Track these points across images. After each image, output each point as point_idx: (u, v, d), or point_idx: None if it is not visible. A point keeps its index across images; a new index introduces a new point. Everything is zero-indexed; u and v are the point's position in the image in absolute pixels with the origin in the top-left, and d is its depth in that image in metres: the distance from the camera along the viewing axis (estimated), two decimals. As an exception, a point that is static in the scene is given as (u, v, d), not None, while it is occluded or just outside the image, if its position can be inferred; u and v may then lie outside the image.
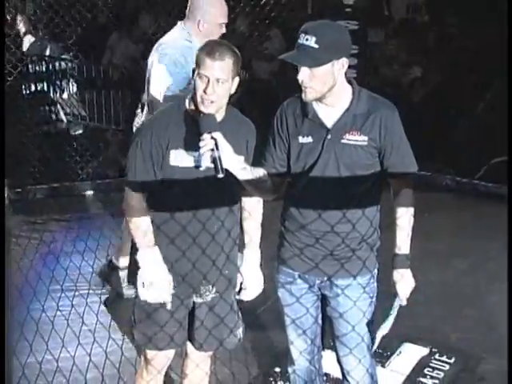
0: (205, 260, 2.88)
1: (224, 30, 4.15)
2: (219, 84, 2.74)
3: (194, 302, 2.98)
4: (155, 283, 2.84)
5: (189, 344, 3.09)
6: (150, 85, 4.16)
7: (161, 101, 4.01)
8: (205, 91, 2.73)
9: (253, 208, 3.04)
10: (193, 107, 2.82)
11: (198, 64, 2.76)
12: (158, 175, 2.83)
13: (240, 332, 3.11)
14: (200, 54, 2.77)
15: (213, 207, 2.87)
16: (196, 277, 2.89)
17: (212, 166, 2.70)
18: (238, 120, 2.94)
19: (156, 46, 4.26)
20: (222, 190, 2.84)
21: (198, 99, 2.77)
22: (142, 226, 2.84)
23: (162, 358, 3.05)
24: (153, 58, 4.19)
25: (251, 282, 3.05)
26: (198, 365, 3.16)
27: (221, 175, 2.68)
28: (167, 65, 4.08)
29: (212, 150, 2.66)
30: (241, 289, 3.06)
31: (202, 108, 2.77)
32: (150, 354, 3.03)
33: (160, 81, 4.08)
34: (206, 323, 2.99)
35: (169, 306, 2.89)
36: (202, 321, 2.99)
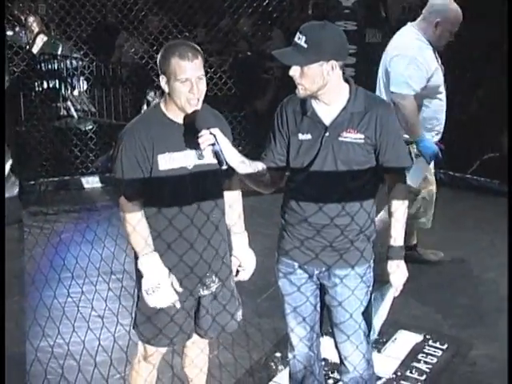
0: (209, 251, 2.91)
1: (452, 38, 4.41)
2: (201, 81, 2.76)
3: (199, 297, 2.99)
4: (161, 287, 2.81)
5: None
6: (392, 85, 4.40)
7: (409, 101, 4.29)
8: (191, 92, 2.74)
9: (234, 200, 3.07)
10: (171, 112, 2.84)
11: (173, 71, 2.73)
12: (149, 180, 2.81)
13: (239, 315, 3.15)
14: (172, 60, 2.74)
15: (211, 199, 2.90)
16: (202, 268, 2.91)
17: (200, 162, 2.79)
18: (213, 114, 2.96)
19: (389, 48, 4.54)
20: (212, 184, 2.90)
21: (183, 103, 2.77)
22: (141, 233, 2.81)
23: (159, 354, 3.08)
24: (390, 60, 4.45)
25: (247, 261, 3.10)
26: (202, 350, 3.22)
27: (225, 167, 2.73)
28: (409, 65, 4.33)
29: (213, 144, 2.69)
30: (237, 271, 3.11)
31: (188, 109, 2.78)
32: (151, 350, 3.03)
33: (407, 81, 4.33)
34: (211, 311, 3.02)
35: (178, 305, 2.88)
36: (207, 309, 3.01)
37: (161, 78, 2.82)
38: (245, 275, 3.14)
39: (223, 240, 3.01)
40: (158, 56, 2.85)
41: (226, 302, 3.05)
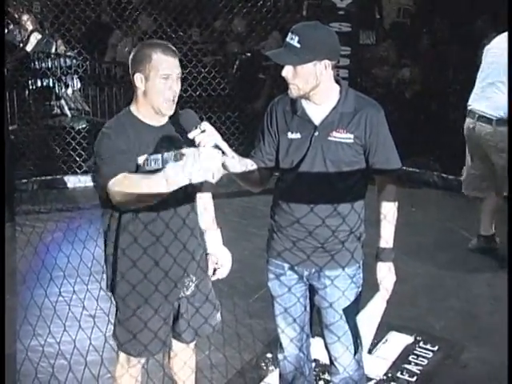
0: (185, 255, 2.88)
1: None
2: (178, 81, 2.75)
3: (179, 302, 2.98)
4: (202, 151, 2.43)
5: (173, 340, 3.10)
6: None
7: None
8: (170, 90, 2.71)
9: (208, 201, 3.06)
10: (143, 115, 2.78)
11: (155, 66, 2.68)
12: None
13: (217, 318, 3.13)
14: (154, 55, 2.69)
15: (187, 203, 2.88)
16: (178, 272, 2.88)
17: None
18: (185, 112, 2.87)
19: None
20: (191, 186, 2.75)
21: (160, 102, 2.72)
22: (142, 178, 2.56)
23: (138, 363, 3.04)
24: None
25: (224, 259, 3.09)
26: (186, 362, 3.18)
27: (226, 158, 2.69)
28: None
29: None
30: (214, 270, 3.09)
31: (163, 111, 2.74)
32: (130, 360, 3.00)
33: None
34: (186, 315, 3.01)
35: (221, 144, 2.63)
36: (181, 313, 3.00)
37: (135, 77, 2.75)
38: (222, 272, 3.12)
39: (198, 243, 3.00)
40: (132, 54, 2.79)
41: (200, 304, 3.02)
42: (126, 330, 2.92)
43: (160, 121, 2.83)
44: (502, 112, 4.81)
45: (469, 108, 5.05)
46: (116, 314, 2.99)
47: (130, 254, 2.82)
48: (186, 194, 2.85)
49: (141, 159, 2.73)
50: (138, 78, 2.74)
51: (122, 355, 3.03)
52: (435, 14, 7.13)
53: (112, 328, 3.05)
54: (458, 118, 6.41)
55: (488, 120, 4.91)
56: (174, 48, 2.79)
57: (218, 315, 3.15)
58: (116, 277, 2.90)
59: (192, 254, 2.93)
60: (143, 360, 3.10)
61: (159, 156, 2.77)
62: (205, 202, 3.06)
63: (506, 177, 4.78)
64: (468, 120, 5.07)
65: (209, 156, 2.40)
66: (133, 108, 2.82)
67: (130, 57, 2.81)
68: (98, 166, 2.74)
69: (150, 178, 2.50)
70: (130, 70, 2.79)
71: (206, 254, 3.06)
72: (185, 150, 2.43)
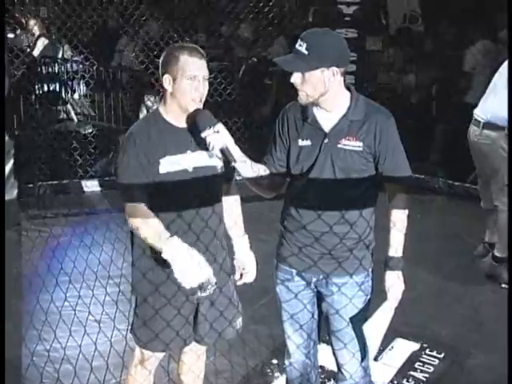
0: (208, 255, 2.84)
1: None
2: (205, 82, 2.80)
3: (198, 302, 2.98)
4: (193, 266, 2.65)
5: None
6: None
7: None
8: (197, 91, 2.76)
9: (233, 205, 3.07)
10: (171, 115, 2.84)
11: (182, 67, 2.75)
12: (153, 184, 2.78)
13: (239, 322, 3.13)
14: (181, 57, 2.76)
15: (210, 204, 2.89)
16: None
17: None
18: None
19: None
20: (211, 188, 2.90)
21: (187, 101, 2.78)
22: (154, 227, 2.72)
23: (155, 359, 3.06)
24: None
25: (250, 265, 3.08)
26: (199, 356, 3.20)
27: (234, 164, 2.76)
28: None
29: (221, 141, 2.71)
30: (241, 275, 3.09)
31: (191, 108, 2.79)
32: (147, 354, 3.02)
33: None
34: (209, 318, 3.00)
35: (213, 280, 2.76)
36: (205, 316, 2.99)
37: (164, 78, 2.81)
38: (249, 278, 3.11)
39: (221, 246, 3.00)
40: (162, 56, 2.85)
41: (224, 308, 3.03)
42: (149, 329, 2.93)
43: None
44: (490, 115, 4.81)
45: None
46: (135, 312, 3.00)
47: (152, 252, 2.84)
48: (210, 196, 2.90)
49: (162, 161, 2.79)
50: (167, 80, 2.80)
51: (139, 351, 3.05)
52: (441, 20, 7.13)
53: (130, 327, 3.07)
54: (463, 124, 6.44)
55: (477, 122, 4.91)
56: (201, 50, 2.84)
57: (240, 320, 3.15)
58: (137, 276, 2.94)
59: (214, 256, 2.92)
60: (162, 355, 3.10)
61: (181, 157, 2.81)
62: (229, 204, 3.06)
63: (495, 183, 4.81)
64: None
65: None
66: (161, 108, 2.89)
67: (161, 59, 2.86)
68: (117, 177, 2.86)
69: (153, 235, 2.70)
70: (160, 71, 2.85)
71: (233, 259, 3.08)
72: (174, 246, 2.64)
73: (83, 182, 7.00)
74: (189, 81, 2.76)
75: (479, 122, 4.88)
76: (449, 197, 6.62)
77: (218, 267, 2.95)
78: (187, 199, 2.83)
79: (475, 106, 5.01)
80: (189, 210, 2.84)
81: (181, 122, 2.85)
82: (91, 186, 7.00)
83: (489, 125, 4.83)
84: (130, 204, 2.80)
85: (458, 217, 6.19)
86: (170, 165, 2.80)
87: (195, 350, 3.17)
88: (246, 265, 3.09)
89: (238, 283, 3.12)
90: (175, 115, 2.84)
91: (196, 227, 2.85)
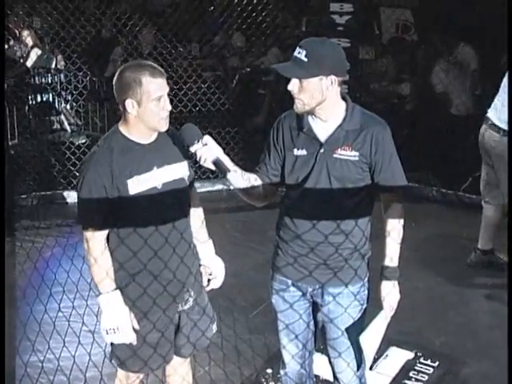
0: (183, 269, 2.89)
1: None
2: (167, 98, 2.78)
3: (179, 316, 2.99)
4: (120, 329, 2.78)
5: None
6: None
7: None
8: (164, 110, 2.74)
9: (197, 210, 3.06)
10: (135, 135, 2.79)
11: (146, 90, 2.68)
12: (119, 206, 2.75)
13: (213, 328, 3.13)
14: (143, 80, 2.69)
15: (184, 216, 2.91)
16: (176, 286, 2.89)
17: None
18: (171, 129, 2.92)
19: None
20: (182, 200, 2.91)
21: (156, 122, 2.75)
22: (104, 265, 2.75)
23: (137, 378, 3.06)
24: None
25: (218, 269, 3.10)
26: (184, 378, 3.19)
27: (228, 175, 2.77)
28: None
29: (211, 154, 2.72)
30: (209, 280, 3.10)
31: (162, 128, 2.77)
32: (129, 376, 3.02)
33: None
34: (185, 330, 3.02)
35: (135, 343, 2.84)
36: (181, 328, 3.01)
37: (126, 103, 2.73)
38: (216, 283, 3.13)
39: (194, 257, 3.02)
40: (119, 79, 2.76)
41: (199, 318, 3.04)
42: (126, 347, 2.90)
43: (151, 137, 2.84)
44: (505, 124, 4.85)
45: (486, 114, 5.08)
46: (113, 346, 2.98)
47: (128, 267, 2.83)
48: (182, 209, 2.90)
49: (130, 182, 2.75)
50: (129, 104, 2.73)
51: (121, 371, 3.03)
52: (434, 29, 7.16)
53: (110, 347, 3.05)
54: (456, 133, 6.46)
55: (498, 129, 4.93)
56: (158, 67, 2.80)
57: (214, 326, 3.15)
58: None
59: (190, 268, 2.94)
60: (142, 376, 3.09)
61: (148, 175, 2.78)
62: (195, 213, 3.05)
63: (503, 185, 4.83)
64: (482, 126, 5.08)
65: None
66: (122, 127, 2.83)
67: (115, 82, 2.78)
68: (78, 201, 2.84)
69: (98, 276, 2.77)
70: (118, 96, 2.77)
71: (200, 266, 3.07)
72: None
73: (77, 193, 6.94)
74: (155, 102, 2.72)
75: (499, 128, 4.91)
76: (442, 205, 6.62)
77: (192, 278, 2.96)
78: (162, 214, 2.81)
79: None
80: (164, 224, 2.83)
81: (146, 139, 2.82)
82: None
83: (507, 133, 4.87)
84: (88, 233, 2.77)
85: (452, 225, 6.18)
86: (139, 185, 2.77)
87: (179, 371, 3.16)
88: (213, 270, 3.09)
89: (207, 289, 3.12)
90: (140, 134, 2.81)
91: (172, 240, 2.85)
